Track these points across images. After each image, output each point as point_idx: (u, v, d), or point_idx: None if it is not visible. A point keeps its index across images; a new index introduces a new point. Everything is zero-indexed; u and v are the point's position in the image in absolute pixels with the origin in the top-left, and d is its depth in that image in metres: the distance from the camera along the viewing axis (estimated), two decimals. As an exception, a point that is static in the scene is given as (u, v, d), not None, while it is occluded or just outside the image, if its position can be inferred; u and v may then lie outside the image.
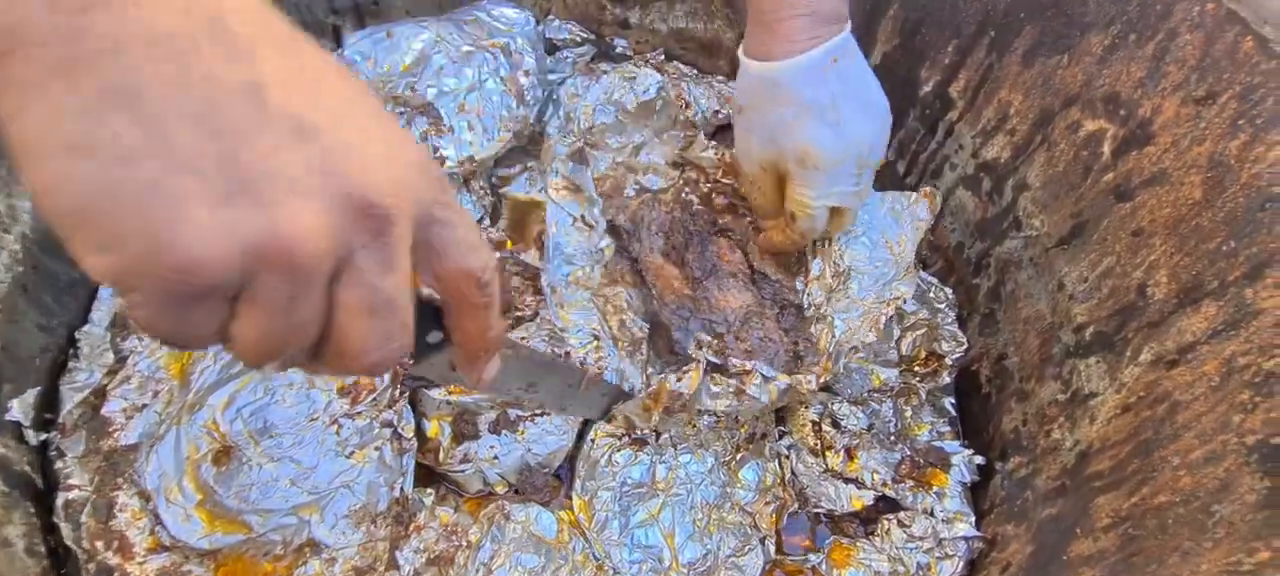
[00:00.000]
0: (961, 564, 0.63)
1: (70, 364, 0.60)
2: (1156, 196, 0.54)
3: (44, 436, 0.56)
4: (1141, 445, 0.47)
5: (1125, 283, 0.56)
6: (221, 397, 0.61)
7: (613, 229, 0.79)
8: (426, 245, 0.30)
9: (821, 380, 0.62)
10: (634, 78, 0.88)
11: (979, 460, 0.70)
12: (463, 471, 0.67)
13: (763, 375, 0.65)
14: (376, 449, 0.62)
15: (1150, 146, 0.56)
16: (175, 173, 0.23)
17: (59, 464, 0.55)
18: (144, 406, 0.60)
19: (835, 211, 0.66)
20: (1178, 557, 0.36)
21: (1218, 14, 0.50)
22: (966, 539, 0.64)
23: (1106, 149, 0.60)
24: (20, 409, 0.54)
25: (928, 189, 0.73)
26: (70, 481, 0.54)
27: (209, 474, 0.57)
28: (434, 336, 0.36)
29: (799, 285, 0.73)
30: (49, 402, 0.58)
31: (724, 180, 0.85)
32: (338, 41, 0.87)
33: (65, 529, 0.52)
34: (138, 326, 0.27)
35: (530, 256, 0.81)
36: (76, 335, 0.62)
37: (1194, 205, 0.50)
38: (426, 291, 0.34)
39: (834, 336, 0.66)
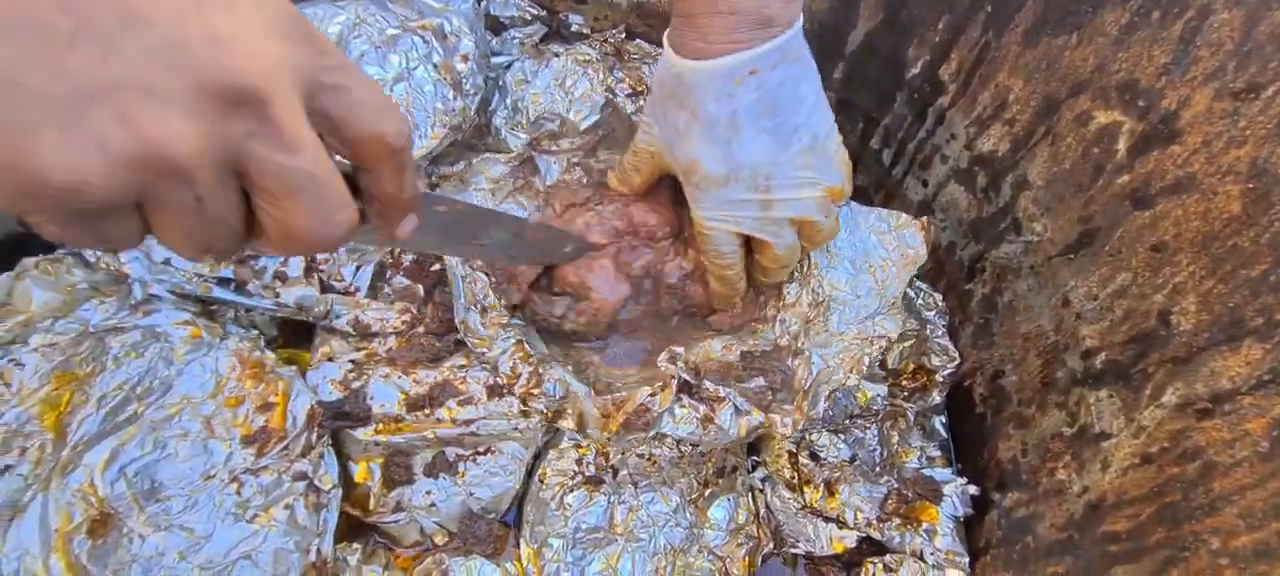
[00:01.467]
0: (953, 615, 0.57)
1: (-88, 422, 0.51)
2: (1183, 206, 0.46)
3: None
4: (1167, 509, 0.40)
5: (1144, 306, 0.48)
6: (102, 454, 0.53)
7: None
8: (324, 115, 0.29)
9: (796, 423, 0.55)
10: (571, 90, 0.78)
11: (973, 491, 0.63)
12: (396, 521, 0.60)
13: (735, 406, 0.58)
14: (286, 507, 0.54)
15: (1175, 146, 0.48)
16: (12, 97, 0.23)
17: (-115, 553, 0.46)
18: (7, 468, 0.52)
19: (756, 244, 0.58)
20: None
21: (1265, -12, 0.41)
22: (959, 585, 0.57)
23: (1122, 146, 0.52)
24: None
25: (924, 220, 0.64)
26: (-101, 574, 0.46)
27: (82, 548, 0.49)
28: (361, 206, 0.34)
29: (771, 314, 0.65)
30: (-121, 475, 0.49)
31: None
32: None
33: (-114, 638, 0.44)
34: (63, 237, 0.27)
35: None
36: (-77, 386, 0.53)
37: (1231, 221, 0.42)
38: (346, 162, 0.33)
39: (811, 373, 0.58)
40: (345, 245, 0.56)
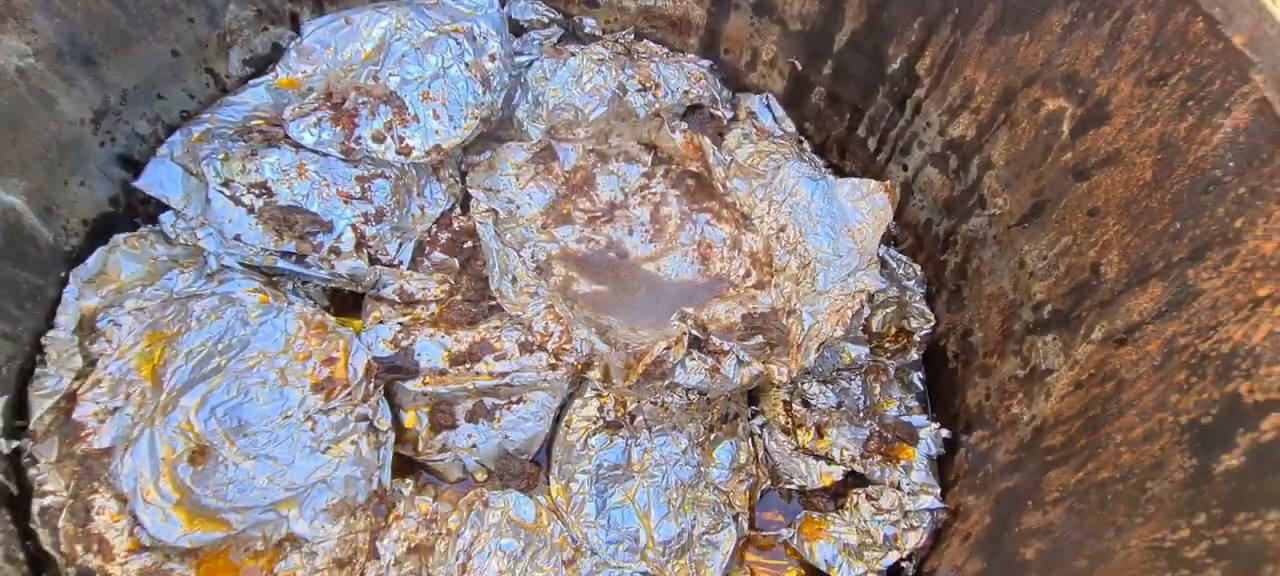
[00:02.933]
0: (926, 535, 0.65)
1: (37, 370, 0.60)
2: (1111, 176, 0.55)
3: (15, 444, 0.56)
4: (1090, 421, 0.48)
5: (1081, 261, 0.57)
6: (194, 398, 0.62)
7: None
8: None
9: (791, 372, 0.64)
10: (586, 85, 0.86)
11: (945, 434, 0.72)
12: (441, 460, 0.69)
13: (738, 358, 0.67)
14: (352, 443, 0.63)
15: (1106, 126, 0.57)
16: None
17: (32, 470, 0.55)
18: (116, 409, 0.60)
19: None
20: (1113, 532, 0.37)
21: (1171, -6, 0.50)
22: (931, 510, 0.66)
23: (1065, 128, 0.61)
24: (-11, 418, 0.54)
25: (888, 183, 0.74)
26: (45, 487, 0.54)
27: (186, 474, 0.58)
28: None
29: (766, 279, 0.74)
30: (18, 409, 0.58)
31: (692, 165, 0.85)
32: (296, 28, 0.85)
33: (43, 534, 0.53)
34: None
35: (503, 244, 0.81)
36: (42, 341, 0.62)
37: (1145, 186, 0.51)
38: None
39: (803, 329, 0.67)
40: (411, 381, 0.61)
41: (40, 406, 0.58)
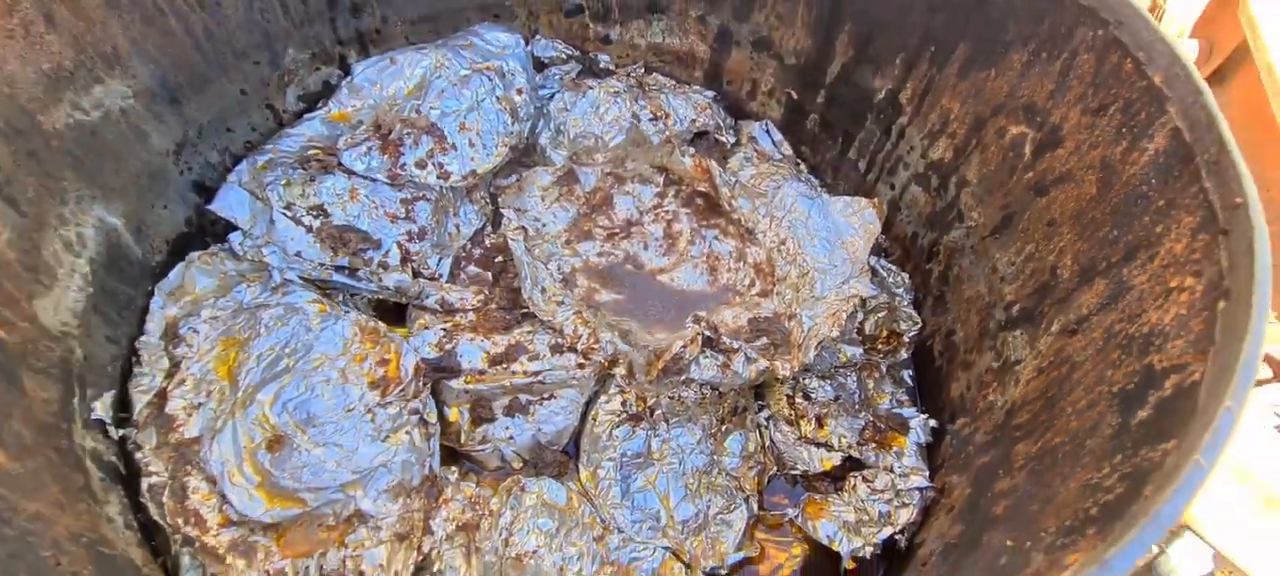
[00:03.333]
0: (916, 511, 0.73)
1: (134, 369, 0.68)
2: (1065, 192, 0.65)
3: (122, 432, 0.64)
4: (1048, 400, 0.57)
5: (1042, 265, 0.66)
6: (268, 394, 0.70)
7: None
8: None
9: (794, 367, 0.72)
10: (604, 115, 0.96)
11: (933, 424, 0.81)
12: (482, 450, 0.77)
13: (747, 356, 0.75)
14: (407, 433, 0.71)
15: (1060, 149, 0.66)
16: None
17: (138, 454, 0.63)
18: (200, 404, 0.69)
19: None
20: (1059, 481, 0.46)
21: (1106, 38, 0.60)
22: (921, 490, 0.74)
23: (1027, 151, 0.70)
24: (102, 409, 0.62)
25: (876, 200, 0.83)
26: (150, 469, 0.62)
27: (265, 459, 0.66)
28: None
29: (769, 288, 0.83)
30: (122, 404, 0.66)
31: (701, 186, 0.95)
32: (343, 68, 0.95)
33: (152, 508, 0.60)
34: None
35: (531, 258, 0.90)
36: (136, 345, 0.70)
37: (1091, 200, 0.60)
38: None
39: (803, 330, 0.76)
40: (454, 380, 0.70)
41: (139, 401, 0.66)
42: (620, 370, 0.75)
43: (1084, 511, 0.38)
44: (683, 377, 0.74)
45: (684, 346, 0.73)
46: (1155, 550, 0.60)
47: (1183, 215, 0.48)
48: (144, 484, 0.62)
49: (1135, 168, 0.55)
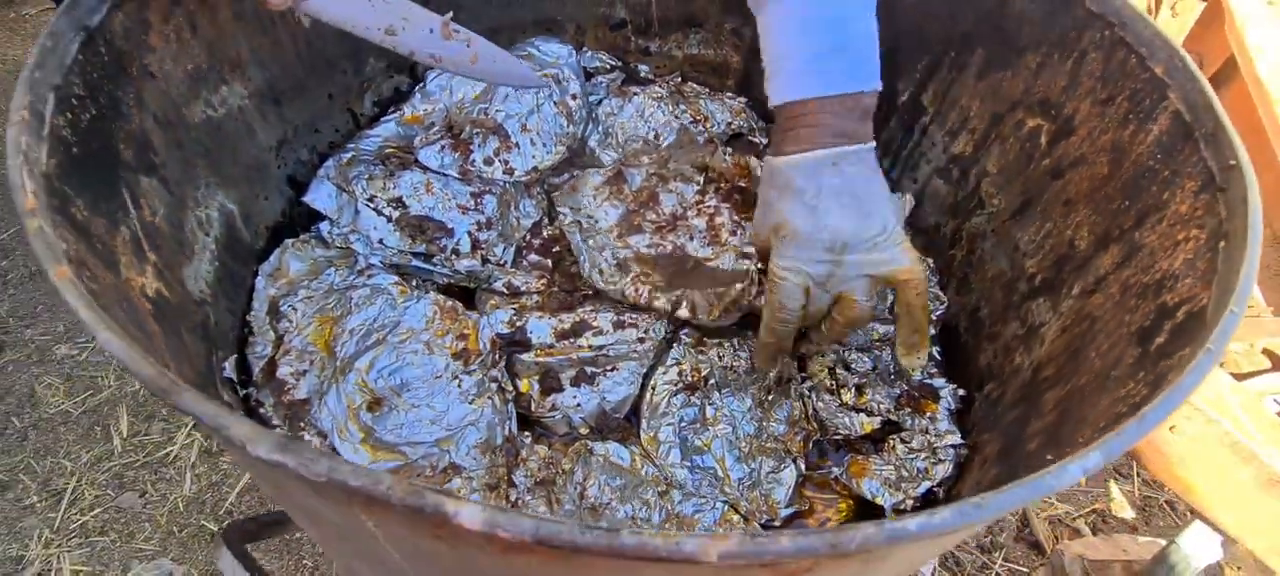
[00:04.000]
0: (952, 465, 0.80)
1: (249, 338, 0.76)
2: (1079, 174, 0.73)
3: (246, 391, 0.71)
4: (1073, 353, 0.65)
5: (1061, 240, 0.74)
6: (365, 362, 0.77)
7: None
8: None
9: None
10: (649, 119, 1.06)
11: (961, 392, 0.88)
12: (552, 417, 0.84)
13: None
14: (488, 398, 0.78)
15: (1073, 137, 0.75)
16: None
17: (261, 410, 0.70)
18: (305, 371, 0.76)
19: (837, 299, 0.71)
20: (1089, 407, 0.53)
21: (1112, 38, 0.69)
22: (954, 447, 0.81)
23: (1043, 141, 0.79)
24: (231, 369, 0.69)
25: (907, 195, 0.92)
26: (272, 423, 0.69)
27: (367, 418, 0.73)
28: None
29: None
30: (241, 367, 0.73)
31: (739, 182, 1.03)
32: (413, 76, 1.04)
33: (278, 455, 0.68)
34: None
35: (586, 248, 0.98)
36: (247, 318, 0.78)
37: (1103, 178, 0.69)
38: None
39: None
40: (525, 354, 0.81)
41: (255, 367, 0.74)
42: (684, 311, 0.83)
43: (1114, 415, 0.45)
44: (744, 310, 0.83)
45: (743, 287, 0.82)
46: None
47: (1186, 181, 0.57)
48: (270, 433, 0.69)
49: (1142, 147, 0.64)
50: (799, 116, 0.66)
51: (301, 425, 0.70)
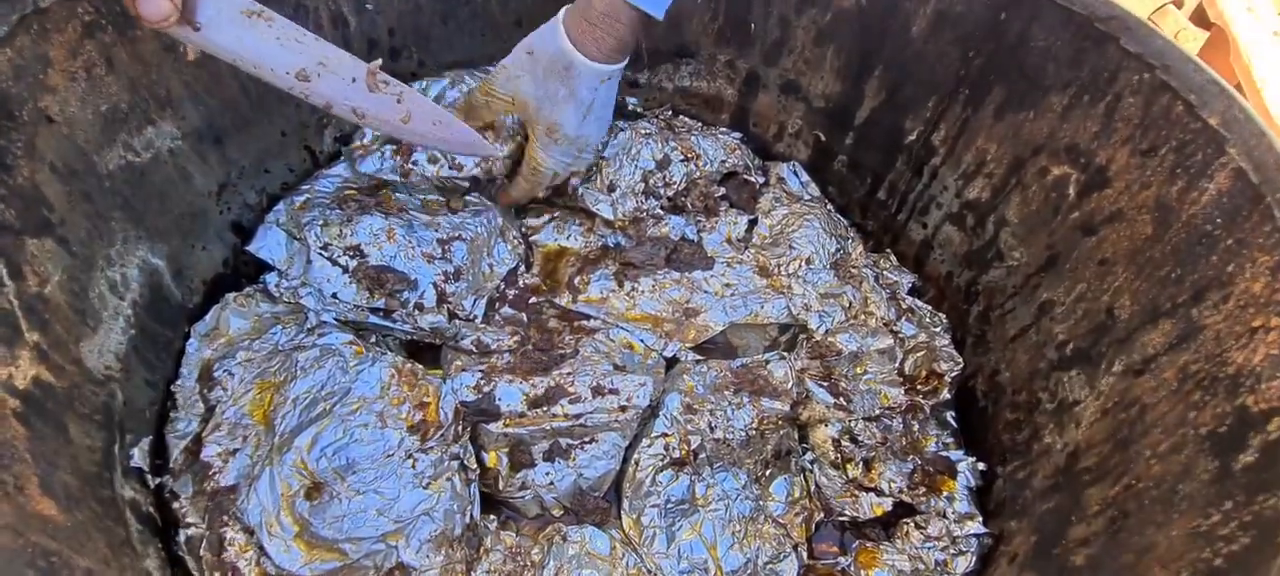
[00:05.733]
0: (974, 559, 0.71)
1: (171, 414, 0.66)
2: (1117, 231, 0.65)
3: (158, 480, 0.62)
4: (1120, 442, 0.56)
5: (1096, 305, 0.65)
6: (306, 439, 0.68)
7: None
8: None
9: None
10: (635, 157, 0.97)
11: (981, 467, 0.79)
12: (521, 497, 0.74)
13: None
14: (448, 479, 0.69)
15: (1108, 189, 0.66)
16: None
17: (175, 504, 0.61)
18: (236, 450, 0.66)
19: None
20: (1154, 528, 0.44)
21: (1153, 82, 0.61)
22: (977, 536, 0.72)
23: (1072, 191, 0.71)
24: (140, 456, 0.60)
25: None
26: (186, 519, 0.60)
27: (303, 507, 0.63)
28: None
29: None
30: (158, 450, 0.63)
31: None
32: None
33: (189, 562, 0.58)
34: None
35: (564, 299, 0.89)
36: (172, 389, 0.68)
37: (1147, 239, 0.60)
38: None
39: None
40: (493, 423, 0.74)
41: (175, 448, 0.64)
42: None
43: (1204, 563, 0.37)
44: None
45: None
46: None
47: (1257, 254, 0.48)
48: (181, 536, 0.59)
49: (1196, 208, 0.56)
50: (610, 18, 0.70)
51: (225, 519, 0.61)
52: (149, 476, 0.60)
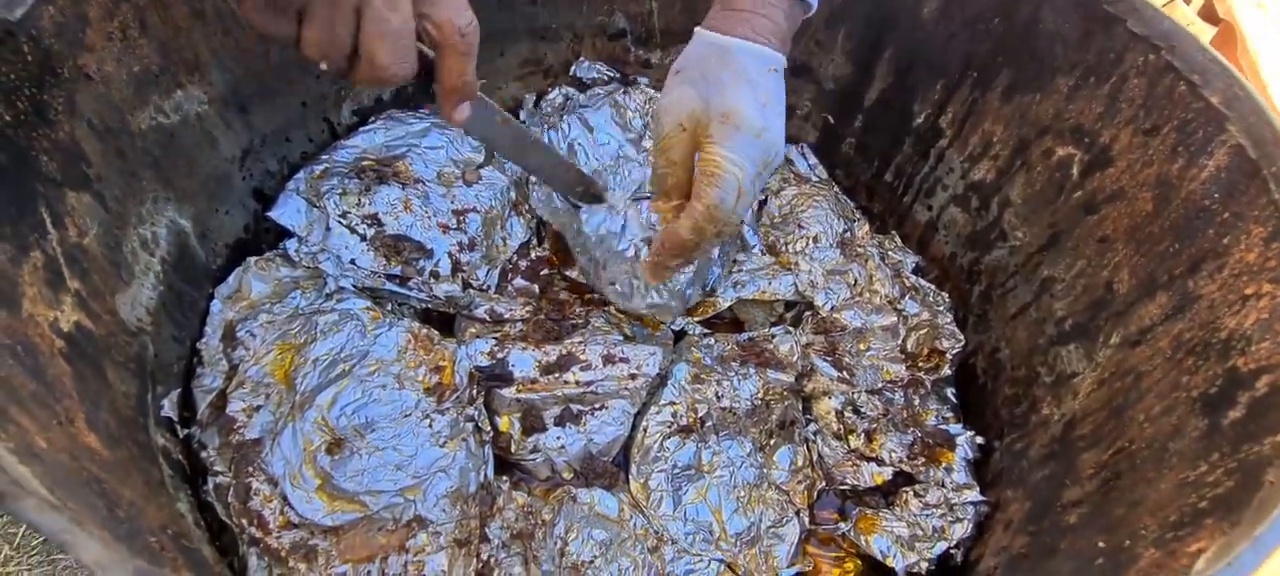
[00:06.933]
0: (970, 525, 0.73)
1: (197, 370, 0.69)
2: (1117, 210, 0.66)
3: (186, 431, 0.64)
4: (1114, 410, 0.58)
5: (1095, 281, 0.67)
6: (326, 398, 0.70)
7: None
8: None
9: None
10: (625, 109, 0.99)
11: (979, 440, 0.81)
12: (533, 460, 0.76)
13: None
14: (463, 440, 0.71)
15: (1111, 169, 0.68)
16: None
17: (203, 454, 0.63)
18: (259, 407, 0.69)
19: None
20: (1144, 485, 0.46)
21: (1157, 64, 0.62)
22: (974, 504, 0.74)
23: (1075, 171, 0.72)
24: (170, 406, 0.62)
25: None
26: (215, 468, 0.62)
27: (325, 461, 0.65)
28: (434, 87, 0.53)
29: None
30: (186, 403, 0.66)
31: None
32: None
33: (218, 508, 0.60)
34: (250, 25, 0.46)
35: (575, 272, 0.91)
36: (198, 346, 0.70)
37: (1146, 216, 0.62)
38: (429, 52, 0.49)
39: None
40: (506, 388, 0.74)
41: (201, 402, 0.66)
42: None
43: (1190, 506, 0.39)
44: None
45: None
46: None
47: (1252, 226, 0.50)
48: (210, 483, 0.61)
49: (1195, 184, 0.57)
50: (760, 2, 0.60)
51: (250, 470, 0.63)
52: (178, 426, 0.62)
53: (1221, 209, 0.54)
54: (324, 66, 0.47)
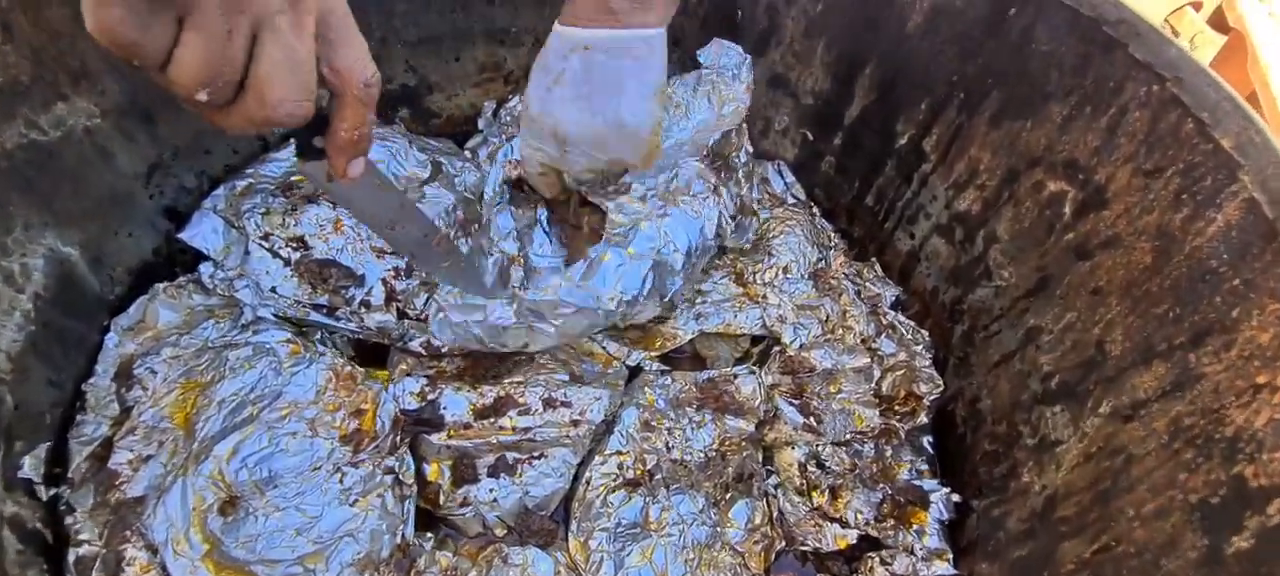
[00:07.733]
0: (940, 601, 0.66)
1: (78, 417, 0.62)
2: (1112, 259, 0.59)
3: (54, 492, 0.57)
4: (1101, 495, 0.50)
5: (1086, 338, 0.60)
6: (226, 447, 0.63)
7: None
8: (324, 35, 0.39)
9: None
10: None
11: (956, 499, 0.74)
12: (462, 514, 0.69)
13: None
14: (379, 496, 0.64)
15: (1106, 210, 0.61)
16: None
17: (69, 519, 0.56)
18: (149, 457, 0.62)
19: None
20: (1130, 607, 0.39)
21: (1162, 96, 0.55)
22: (944, 576, 0.67)
23: (1067, 210, 0.65)
24: (31, 466, 0.55)
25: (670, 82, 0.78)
26: (80, 536, 0.55)
27: (216, 524, 0.58)
28: (318, 140, 0.45)
29: None
30: (58, 457, 0.59)
31: None
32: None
33: (77, 585, 0.53)
34: (103, 35, 0.33)
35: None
36: (83, 387, 0.63)
37: (1145, 270, 0.55)
38: (324, 100, 0.42)
39: None
40: (436, 434, 0.66)
41: (78, 454, 0.59)
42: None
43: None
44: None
45: None
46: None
47: (1266, 300, 0.43)
48: (71, 555, 0.54)
49: (1200, 240, 0.50)
50: None
51: (127, 533, 0.56)
52: (41, 488, 0.55)
53: (1231, 274, 0.46)
54: (200, 96, 0.36)
